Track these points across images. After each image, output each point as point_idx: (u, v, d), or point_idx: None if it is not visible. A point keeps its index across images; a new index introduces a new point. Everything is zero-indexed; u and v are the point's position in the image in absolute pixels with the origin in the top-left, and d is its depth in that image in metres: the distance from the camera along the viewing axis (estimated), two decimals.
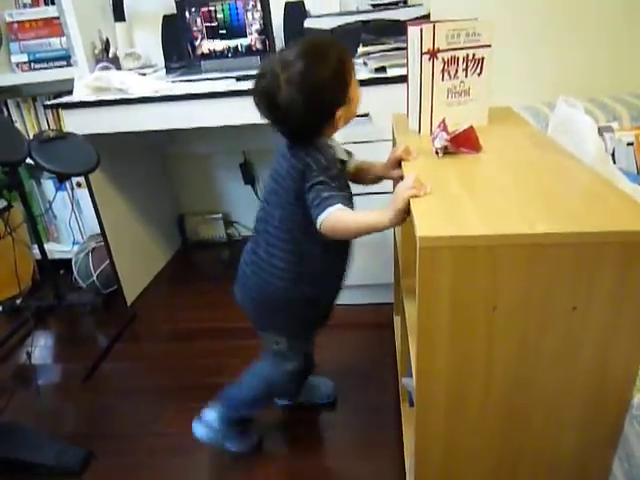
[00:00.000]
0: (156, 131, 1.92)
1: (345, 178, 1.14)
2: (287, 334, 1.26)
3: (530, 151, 1.03)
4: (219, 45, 2.08)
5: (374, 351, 1.81)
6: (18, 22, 2.18)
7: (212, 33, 2.06)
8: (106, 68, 2.05)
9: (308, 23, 1.92)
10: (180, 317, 2.17)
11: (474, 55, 1.14)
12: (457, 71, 1.15)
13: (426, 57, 1.11)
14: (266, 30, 2.02)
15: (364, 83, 1.54)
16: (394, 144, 1.47)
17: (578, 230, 0.68)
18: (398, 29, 1.71)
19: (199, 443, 1.52)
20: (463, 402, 0.81)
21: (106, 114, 1.84)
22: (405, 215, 0.85)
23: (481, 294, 0.72)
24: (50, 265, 2.21)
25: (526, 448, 0.85)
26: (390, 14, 1.83)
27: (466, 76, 1.16)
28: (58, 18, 2.14)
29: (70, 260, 2.36)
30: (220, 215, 2.75)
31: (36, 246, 2.21)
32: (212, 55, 2.09)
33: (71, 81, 1.98)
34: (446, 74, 1.14)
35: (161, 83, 1.88)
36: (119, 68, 2.15)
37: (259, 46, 2.05)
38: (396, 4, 1.91)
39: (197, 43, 2.08)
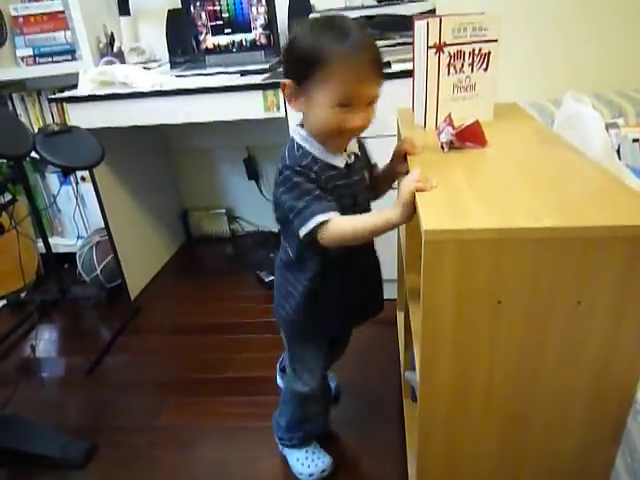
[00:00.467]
0: (160, 125, 1.92)
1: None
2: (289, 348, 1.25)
3: (536, 146, 1.03)
4: (223, 40, 2.08)
5: (376, 347, 1.81)
6: (23, 16, 2.18)
7: (217, 28, 2.06)
8: (110, 62, 2.05)
9: None
10: (183, 311, 2.18)
11: (480, 50, 1.14)
12: (463, 66, 1.14)
13: (432, 51, 1.10)
14: (271, 25, 2.01)
15: None
16: (399, 139, 1.47)
17: (584, 224, 0.68)
18: (403, 24, 1.71)
19: (202, 436, 1.53)
20: (466, 396, 0.81)
21: (110, 108, 1.84)
22: (412, 210, 0.83)
23: (486, 288, 0.72)
24: (54, 259, 2.22)
25: (529, 442, 0.85)
26: (395, 9, 1.82)
27: (472, 71, 1.16)
28: (63, 12, 2.14)
29: (74, 254, 2.37)
30: (224, 210, 2.75)
31: (40, 240, 2.22)
32: (216, 50, 2.09)
33: (75, 75, 1.98)
34: (452, 69, 1.13)
35: (165, 77, 1.88)
36: (123, 62, 2.15)
37: (263, 41, 2.04)
38: None
39: (202, 38, 2.08)
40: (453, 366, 0.78)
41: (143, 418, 1.62)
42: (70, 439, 1.51)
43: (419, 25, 1.13)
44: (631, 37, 2.04)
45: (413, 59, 1.21)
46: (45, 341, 2.09)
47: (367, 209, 1.11)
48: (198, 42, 2.09)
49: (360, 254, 1.11)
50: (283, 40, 2.04)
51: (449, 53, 1.12)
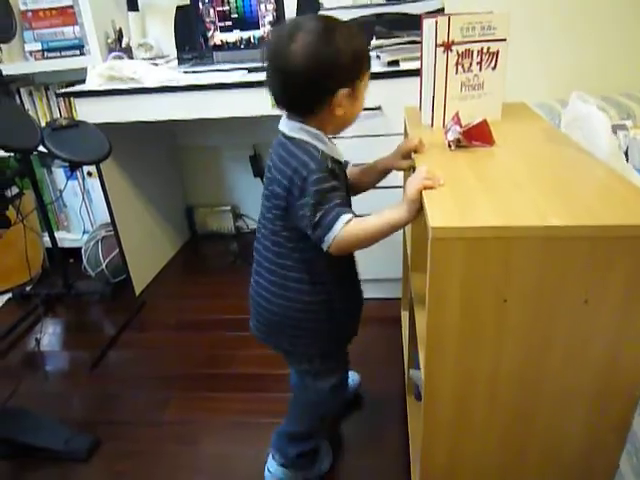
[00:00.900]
0: (167, 121, 1.92)
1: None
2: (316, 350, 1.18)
3: (544, 146, 1.02)
4: (232, 36, 2.08)
5: (380, 345, 1.81)
6: (32, 11, 2.18)
7: (225, 24, 2.06)
8: (119, 57, 2.06)
9: None
10: (188, 307, 2.18)
11: (489, 49, 1.14)
12: (471, 64, 1.14)
13: (440, 50, 1.10)
14: (279, 22, 2.01)
15: (377, 76, 1.54)
16: (406, 137, 1.47)
17: (592, 223, 0.68)
18: (411, 22, 1.71)
19: (205, 432, 1.53)
20: (471, 394, 0.81)
21: (118, 103, 1.85)
22: (419, 208, 0.83)
23: (492, 286, 0.72)
24: (60, 253, 2.23)
25: (533, 441, 0.85)
26: (404, 7, 1.82)
27: (480, 70, 1.16)
28: (72, 7, 2.15)
29: (80, 249, 2.38)
30: (229, 207, 2.76)
31: (46, 234, 2.23)
32: (224, 46, 2.09)
33: (83, 70, 1.99)
34: (460, 67, 1.13)
35: (173, 73, 1.88)
36: (131, 58, 2.16)
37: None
38: None
39: (210, 34, 2.08)
40: (458, 364, 0.78)
41: (147, 413, 1.63)
42: (74, 432, 1.51)
43: (428, 23, 1.13)
44: (635, 38, 2.03)
45: (421, 57, 1.20)
46: (50, 335, 2.10)
47: None
48: (206, 39, 2.09)
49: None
50: None
51: (457, 52, 1.11)
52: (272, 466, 1.34)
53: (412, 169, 1.09)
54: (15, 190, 1.84)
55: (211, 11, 2.05)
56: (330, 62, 0.90)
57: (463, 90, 1.16)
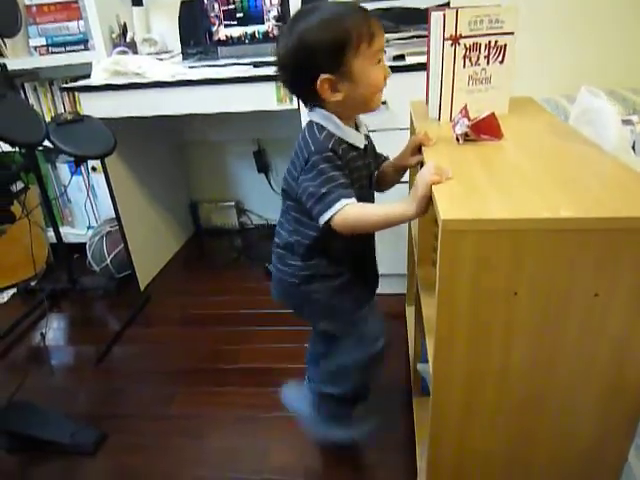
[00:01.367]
0: (172, 116, 1.92)
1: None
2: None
3: (552, 139, 1.02)
4: (236, 31, 2.08)
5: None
6: (37, 5, 2.19)
7: (229, 19, 2.06)
8: (123, 52, 2.06)
9: None
10: (193, 302, 2.18)
11: (496, 42, 1.13)
12: (479, 58, 1.13)
13: (448, 43, 1.09)
14: (284, 17, 2.01)
15: None
16: (412, 132, 1.47)
17: (602, 216, 0.67)
18: (418, 17, 1.70)
19: (211, 426, 1.53)
20: (480, 387, 0.81)
21: (123, 98, 1.84)
22: (429, 203, 0.83)
23: (502, 279, 0.71)
24: (64, 248, 2.23)
25: (542, 436, 0.85)
26: (410, 2, 1.82)
27: (488, 63, 1.15)
28: (76, 2, 2.15)
29: (84, 244, 2.38)
30: (233, 203, 2.76)
31: (51, 229, 2.23)
32: (229, 41, 2.09)
33: (88, 65, 1.99)
34: (467, 61, 1.13)
35: (178, 68, 1.88)
36: (136, 53, 2.16)
37: (276, 33, 2.04)
38: None
39: (214, 29, 2.08)
40: (467, 357, 0.78)
41: (152, 407, 1.63)
42: (80, 426, 1.52)
43: (435, 16, 1.12)
44: (635, 37, 2.02)
45: (428, 51, 1.20)
46: (55, 330, 2.10)
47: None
48: (210, 33, 2.09)
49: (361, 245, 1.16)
50: None
51: (465, 45, 1.11)
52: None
53: (420, 164, 1.09)
54: (20, 185, 1.84)
55: (215, 6, 2.04)
56: (306, 49, 0.94)
57: (470, 84, 1.16)
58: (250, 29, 2.06)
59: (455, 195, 0.76)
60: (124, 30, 2.15)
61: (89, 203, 2.55)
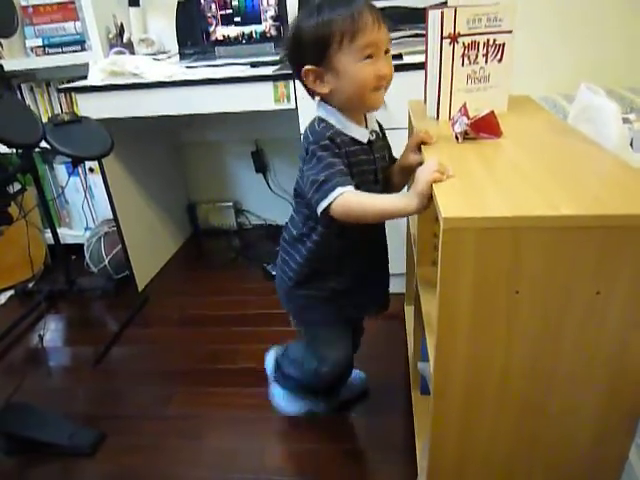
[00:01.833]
0: (169, 116, 1.91)
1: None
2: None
3: (552, 137, 1.02)
4: (233, 31, 2.07)
5: (382, 341, 1.80)
6: (33, 6, 2.18)
7: (226, 19, 2.06)
8: (120, 53, 2.05)
9: None
10: (191, 303, 2.18)
11: (495, 41, 1.13)
12: (477, 56, 1.13)
13: (446, 41, 1.09)
14: (281, 17, 2.01)
15: None
16: (410, 131, 1.47)
17: (603, 213, 0.67)
18: (415, 16, 1.70)
19: (209, 426, 1.53)
20: (482, 386, 0.81)
21: (120, 99, 1.84)
22: (429, 200, 0.83)
23: (504, 277, 0.71)
24: (62, 250, 2.22)
25: (542, 434, 0.85)
26: (407, 1, 1.82)
27: (486, 62, 1.15)
28: (73, 2, 2.15)
29: (82, 245, 2.37)
30: (231, 203, 2.75)
31: (48, 230, 2.22)
32: (226, 41, 2.09)
33: (85, 66, 1.99)
34: (466, 59, 1.13)
35: (175, 68, 1.87)
36: (133, 53, 2.15)
37: (273, 33, 2.04)
38: None
39: (211, 29, 2.08)
40: (469, 355, 0.78)
41: (151, 407, 1.63)
42: (78, 427, 1.51)
43: (433, 15, 1.12)
44: (635, 36, 2.02)
45: (426, 50, 1.20)
46: (53, 331, 2.09)
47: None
48: (208, 34, 2.09)
49: (367, 237, 1.16)
50: None
51: (463, 43, 1.11)
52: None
53: (420, 163, 1.09)
54: (17, 186, 1.83)
55: (212, 6, 2.04)
56: (294, 39, 0.99)
57: (469, 82, 1.16)
58: (247, 29, 2.06)
59: (455, 193, 0.76)
60: (121, 30, 2.15)
61: (87, 204, 2.54)
